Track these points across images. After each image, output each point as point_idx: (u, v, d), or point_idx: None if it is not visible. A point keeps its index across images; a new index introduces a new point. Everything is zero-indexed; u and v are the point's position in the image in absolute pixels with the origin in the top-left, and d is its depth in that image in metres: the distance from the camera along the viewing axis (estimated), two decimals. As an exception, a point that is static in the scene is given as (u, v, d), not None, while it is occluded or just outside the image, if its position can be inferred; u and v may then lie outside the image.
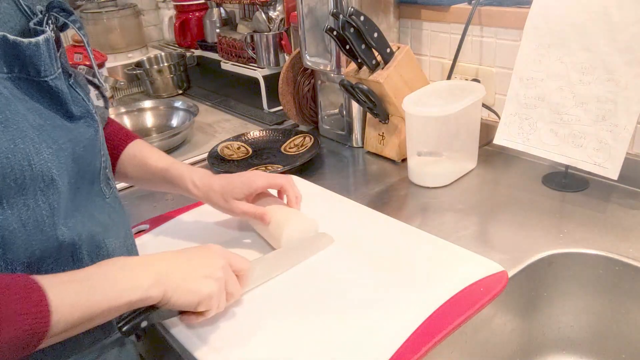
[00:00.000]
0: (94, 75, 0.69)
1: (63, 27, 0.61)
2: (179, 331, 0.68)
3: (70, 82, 0.60)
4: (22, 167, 0.50)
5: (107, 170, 0.67)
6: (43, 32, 0.54)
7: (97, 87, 0.69)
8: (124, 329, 0.58)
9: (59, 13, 0.59)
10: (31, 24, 0.54)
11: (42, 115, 0.54)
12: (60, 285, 0.51)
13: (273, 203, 0.84)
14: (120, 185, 1.12)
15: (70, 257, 0.58)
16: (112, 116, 1.43)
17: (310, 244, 0.82)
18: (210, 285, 0.62)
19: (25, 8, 0.56)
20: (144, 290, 0.56)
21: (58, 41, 0.60)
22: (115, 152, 0.83)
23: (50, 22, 0.57)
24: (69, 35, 1.97)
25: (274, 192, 0.89)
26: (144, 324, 0.58)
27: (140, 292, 0.56)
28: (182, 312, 0.62)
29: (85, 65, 1.50)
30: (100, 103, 0.87)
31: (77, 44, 1.55)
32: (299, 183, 1.05)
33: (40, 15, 0.56)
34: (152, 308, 0.58)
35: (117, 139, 0.84)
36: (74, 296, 0.51)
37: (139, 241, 0.89)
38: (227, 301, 0.66)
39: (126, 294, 0.55)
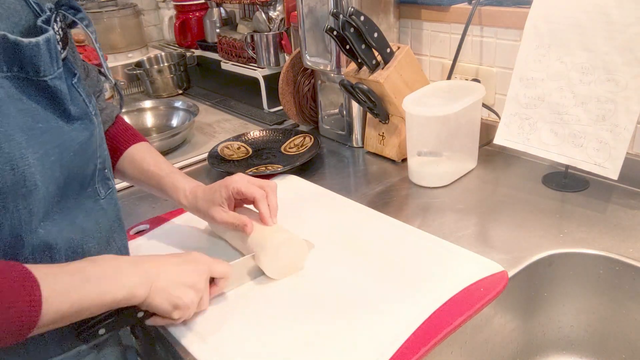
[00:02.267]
0: (102, 73, 0.68)
1: (72, 25, 0.60)
2: (183, 335, 0.68)
3: (72, 82, 0.60)
4: (3, 170, 0.50)
5: (107, 170, 0.67)
6: (47, 30, 0.54)
7: (111, 82, 0.69)
8: (82, 336, 0.59)
9: (67, 10, 0.59)
10: (38, 22, 0.54)
11: (36, 117, 0.54)
12: (52, 276, 0.52)
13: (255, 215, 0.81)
14: (120, 185, 1.12)
15: (49, 259, 0.57)
16: (112, 116, 1.44)
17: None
18: (192, 295, 0.63)
19: (34, 5, 0.56)
20: (131, 288, 0.58)
21: (65, 39, 0.60)
22: (117, 152, 0.83)
23: (58, 19, 0.57)
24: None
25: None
26: (101, 331, 0.59)
27: (126, 290, 0.57)
28: (148, 315, 0.63)
29: (85, 65, 1.50)
30: (107, 100, 0.86)
31: (78, 44, 1.55)
32: (298, 183, 1.05)
33: (48, 13, 0.56)
34: (112, 315, 0.59)
35: (122, 138, 0.84)
36: (65, 287, 0.52)
37: (138, 241, 0.89)
38: (196, 310, 0.67)
39: (114, 290, 0.56)
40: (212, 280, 0.70)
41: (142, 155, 0.84)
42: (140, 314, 0.62)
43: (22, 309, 0.48)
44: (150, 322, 0.64)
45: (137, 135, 0.86)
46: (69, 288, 0.52)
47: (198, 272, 0.65)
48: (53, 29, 0.55)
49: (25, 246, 0.55)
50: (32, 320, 0.49)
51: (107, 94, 1.57)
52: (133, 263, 0.61)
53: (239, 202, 0.82)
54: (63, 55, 0.58)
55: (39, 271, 0.51)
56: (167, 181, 0.83)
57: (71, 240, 0.59)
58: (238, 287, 0.75)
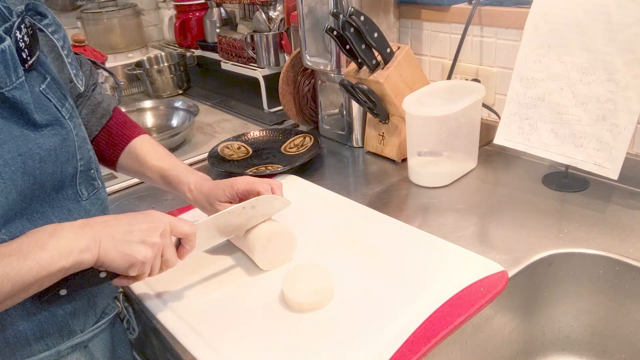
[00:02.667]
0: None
1: (42, 29, 0.59)
2: (179, 330, 0.68)
3: (41, 88, 0.59)
4: None
5: (92, 171, 0.66)
6: (3, 40, 0.53)
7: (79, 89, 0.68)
8: (43, 298, 0.59)
9: (33, 16, 0.58)
10: (0, 31, 0.53)
11: None
12: None
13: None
14: (120, 185, 1.12)
15: None
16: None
17: (264, 206, 0.79)
18: (144, 250, 0.62)
19: (3, 9, 0.55)
20: (77, 254, 0.56)
21: (34, 45, 0.58)
22: (117, 147, 0.83)
23: (23, 26, 0.56)
24: (69, 35, 1.97)
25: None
26: (62, 292, 0.59)
27: (72, 256, 0.56)
28: (114, 276, 0.63)
29: (85, 65, 1.50)
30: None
31: (77, 44, 1.55)
32: (298, 183, 1.05)
33: (13, 19, 0.55)
34: (73, 276, 0.58)
35: (121, 133, 0.83)
36: (4, 268, 0.51)
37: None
38: (163, 268, 0.66)
39: (57, 260, 0.55)
40: (179, 242, 0.69)
41: (144, 149, 0.84)
42: (104, 274, 0.61)
43: None
44: (115, 282, 0.64)
45: (136, 127, 0.86)
46: (7, 269, 0.51)
47: (151, 228, 0.63)
48: (16, 36, 0.54)
49: None
50: None
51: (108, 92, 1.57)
52: (78, 227, 0.59)
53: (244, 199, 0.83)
54: (31, 61, 0.57)
55: None
56: (171, 174, 0.83)
57: None
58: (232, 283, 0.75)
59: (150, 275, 0.65)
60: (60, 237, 0.56)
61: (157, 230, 0.64)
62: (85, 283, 0.61)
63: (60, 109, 0.61)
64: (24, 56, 0.56)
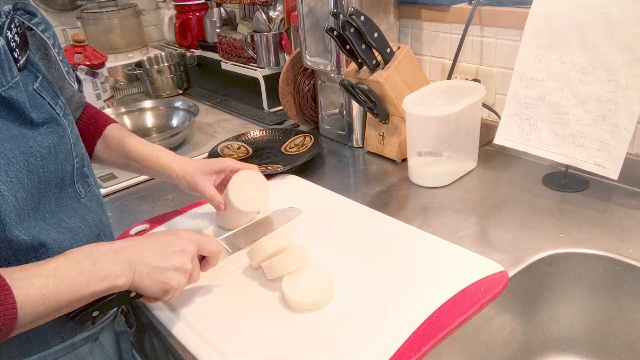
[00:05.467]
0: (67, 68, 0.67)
1: (32, 28, 0.60)
2: (182, 332, 0.68)
3: (34, 87, 0.59)
4: None
5: (85, 168, 0.67)
6: None
7: (72, 86, 0.69)
8: (76, 319, 0.59)
9: (22, 16, 0.58)
10: None
11: None
12: (26, 280, 0.51)
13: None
14: (120, 185, 1.12)
15: (36, 260, 0.57)
16: (113, 116, 1.43)
17: (279, 217, 0.84)
18: (178, 277, 0.63)
19: None
20: (112, 279, 0.57)
21: (24, 43, 0.59)
22: (92, 138, 0.84)
23: (13, 25, 0.56)
24: (69, 35, 1.97)
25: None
26: (95, 313, 0.60)
27: (107, 282, 0.57)
28: (140, 295, 0.64)
29: (85, 65, 1.50)
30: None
31: (77, 44, 1.55)
32: (298, 183, 1.05)
33: (2, 19, 0.55)
34: (104, 298, 0.59)
35: (95, 123, 0.84)
36: (39, 291, 0.51)
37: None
38: (187, 284, 0.68)
39: (92, 284, 0.55)
40: (203, 258, 0.71)
41: (119, 136, 0.85)
42: (133, 294, 0.62)
43: None
44: (144, 300, 0.66)
45: (107, 117, 0.87)
46: (44, 291, 0.52)
47: (183, 253, 0.65)
48: (7, 36, 0.55)
49: (2, 250, 0.55)
50: (9, 326, 0.50)
51: (108, 94, 1.57)
52: (113, 251, 0.59)
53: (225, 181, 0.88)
54: (22, 61, 0.58)
55: (11, 277, 0.51)
56: (150, 155, 0.85)
57: (61, 241, 0.60)
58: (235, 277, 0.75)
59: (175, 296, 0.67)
60: (96, 261, 0.57)
61: (189, 255, 0.65)
62: (117, 304, 0.62)
63: (54, 107, 0.61)
64: (16, 56, 0.56)
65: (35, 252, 0.57)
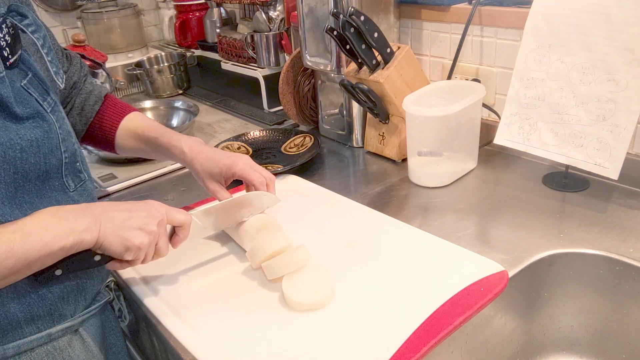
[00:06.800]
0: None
1: (24, 29, 0.62)
2: (181, 332, 0.68)
3: (22, 84, 0.62)
4: None
5: (78, 163, 0.69)
6: None
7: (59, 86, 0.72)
8: (39, 277, 0.61)
9: (14, 17, 0.61)
10: None
11: None
12: None
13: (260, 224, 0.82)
14: (120, 185, 1.12)
15: None
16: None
17: (255, 200, 0.83)
18: (141, 236, 0.65)
19: None
20: (78, 234, 0.59)
21: (15, 44, 0.61)
22: (112, 129, 0.87)
23: (4, 26, 0.59)
24: (69, 35, 1.97)
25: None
26: (58, 272, 0.62)
27: (73, 236, 0.59)
28: (105, 260, 0.65)
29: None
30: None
31: (77, 44, 1.55)
32: (298, 183, 1.05)
33: None
34: (69, 257, 0.61)
35: (112, 114, 0.87)
36: (7, 244, 0.54)
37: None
38: (154, 257, 0.69)
39: (59, 239, 0.58)
40: (174, 231, 0.72)
41: (135, 123, 0.88)
42: (98, 257, 0.64)
43: None
44: (109, 266, 0.67)
45: (127, 107, 0.89)
46: (11, 245, 0.54)
47: (149, 216, 0.66)
48: None
49: None
50: None
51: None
52: (80, 210, 0.62)
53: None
54: (12, 60, 0.61)
55: None
56: (162, 141, 0.86)
57: None
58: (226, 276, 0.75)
59: (142, 262, 0.68)
60: (62, 218, 0.59)
61: (155, 218, 0.67)
62: (80, 265, 0.63)
63: (41, 103, 0.64)
64: (5, 54, 0.60)
65: None
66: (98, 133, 0.87)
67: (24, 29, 0.62)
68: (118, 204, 0.67)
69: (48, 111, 0.64)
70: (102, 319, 0.75)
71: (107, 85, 1.56)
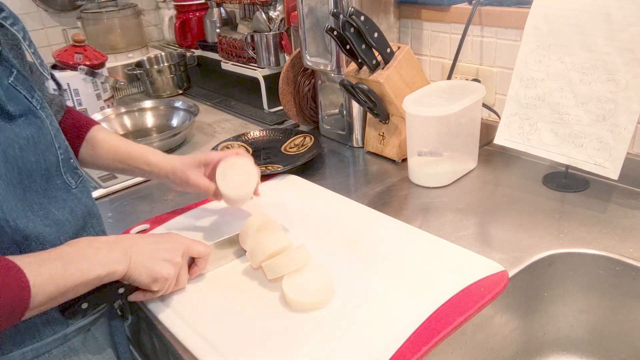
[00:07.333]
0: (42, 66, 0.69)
1: (2, 25, 0.61)
2: (181, 331, 0.68)
3: (9, 81, 0.61)
4: None
5: (72, 160, 0.69)
6: None
7: (47, 78, 0.71)
8: (67, 312, 0.64)
9: None
10: None
11: None
12: (36, 264, 0.56)
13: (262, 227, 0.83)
14: (120, 185, 1.12)
15: (28, 251, 0.60)
16: (113, 116, 1.44)
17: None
18: (168, 267, 0.68)
19: None
20: (112, 265, 0.62)
21: None
22: (76, 141, 0.85)
23: None
24: (69, 35, 1.97)
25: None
26: (84, 305, 0.64)
27: (108, 266, 0.61)
28: (129, 291, 0.68)
29: (85, 65, 1.50)
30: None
31: (77, 44, 1.55)
32: (299, 183, 1.05)
33: None
34: (94, 292, 0.63)
35: (78, 125, 0.85)
36: (50, 272, 0.56)
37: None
38: (175, 287, 0.72)
39: (95, 268, 0.60)
40: (193, 261, 0.75)
41: (104, 138, 0.87)
42: (122, 290, 0.67)
43: (13, 296, 0.52)
44: (132, 297, 0.70)
45: (91, 120, 0.88)
46: (53, 272, 0.56)
47: (174, 249, 0.70)
48: None
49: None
50: (23, 306, 0.53)
51: (108, 94, 1.57)
52: (111, 242, 0.65)
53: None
54: None
55: (22, 261, 0.55)
56: (139, 158, 0.87)
57: (47, 234, 0.62)
58: (238, 288, 0.75)
59: (165, 293, 0.71)
60: (98, 249, 0.62)
61: (179, 250, 0.71)
62: (105, 298, 0.66)
63: (30, 99, 0.63)
64: None
65: (19, 245, 0.59)
66: None
67: (3, 22, 0.61)
68: (144, 236, 0.70)
69: (38, 108, 0.64)
70: (108, 318, 0.75)
71: (107, 86, 1.56)
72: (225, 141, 1.24)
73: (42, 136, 0.63)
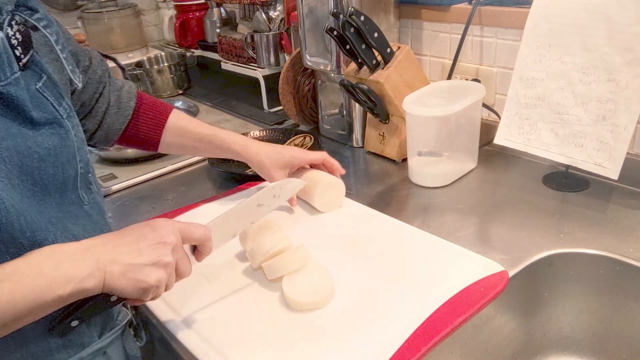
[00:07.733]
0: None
1: (35, 27, 0.57)
2: (181, 331, 0.68)
3: (37, 86, 0.57)
4: None
5: (90, 175, 0.64)
6: None
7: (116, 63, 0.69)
8: (54, 331, 0.56)
9: (24, 12, 0.55)
10: None
11: None
12: None
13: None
14: (120, 185, 1.12)
15: None
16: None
17: (277, 192, 0.83)
18: (156, 272, 0.56)
19: None
20: (78, 282, 0.51)
21: (27, 42, 0.56)
22: (157, 128, 0.87)
23: (14, 22, 0.54)
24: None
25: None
26: (74, 323, 0.56)
27: (72, 284, 0.50)
28: (122, 298, 0.58)
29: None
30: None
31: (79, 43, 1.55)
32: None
33: (3, 16, 0.53)
34: (85, 303, 0.54)
35: (157, 112, 0.87)
36: None
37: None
38: (177, 280, 0.62)
39: (56, 287, 0.49)
40: (195, 247, 0.65)
41: (185, 122, 0.90)
42: (114, 298, 0.56)
43: None
44: (130, 302, 0.61)
45: (165, 104, 0.90)
46: None
47: (161, 244, 0.58)
48: (7, 33, 0.53)
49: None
50: None
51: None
52: (79, 251, 0.53)
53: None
54: (25, 60, 0.56)
55: None
56: (220, 137, 0.91)
57: None
58: (239, 288, 0.75)
59: (165, 290, 0.60)
60: (59, 262, 0.51)
61: (168, 246, 0.58)
62: (97, 311, 0.57)
63: (57, 108, 0.59)
64: (17, 54, 0.54)
65: None
66: (139, 131, 0.86)
67: (36, 24, 0.56)
68: (122, 234, 0.58)
69: (64, 117, 0.59)
70: (122, 339, 0.71)
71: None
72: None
73: (64, 147, 0.58)
